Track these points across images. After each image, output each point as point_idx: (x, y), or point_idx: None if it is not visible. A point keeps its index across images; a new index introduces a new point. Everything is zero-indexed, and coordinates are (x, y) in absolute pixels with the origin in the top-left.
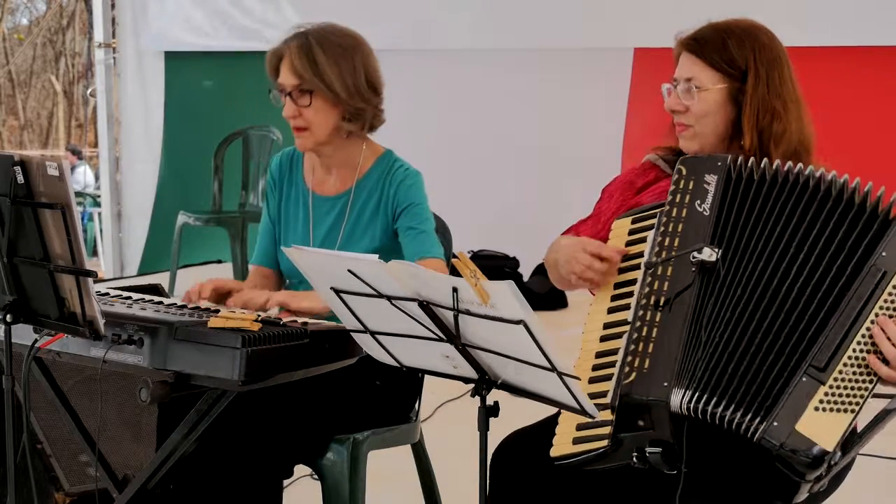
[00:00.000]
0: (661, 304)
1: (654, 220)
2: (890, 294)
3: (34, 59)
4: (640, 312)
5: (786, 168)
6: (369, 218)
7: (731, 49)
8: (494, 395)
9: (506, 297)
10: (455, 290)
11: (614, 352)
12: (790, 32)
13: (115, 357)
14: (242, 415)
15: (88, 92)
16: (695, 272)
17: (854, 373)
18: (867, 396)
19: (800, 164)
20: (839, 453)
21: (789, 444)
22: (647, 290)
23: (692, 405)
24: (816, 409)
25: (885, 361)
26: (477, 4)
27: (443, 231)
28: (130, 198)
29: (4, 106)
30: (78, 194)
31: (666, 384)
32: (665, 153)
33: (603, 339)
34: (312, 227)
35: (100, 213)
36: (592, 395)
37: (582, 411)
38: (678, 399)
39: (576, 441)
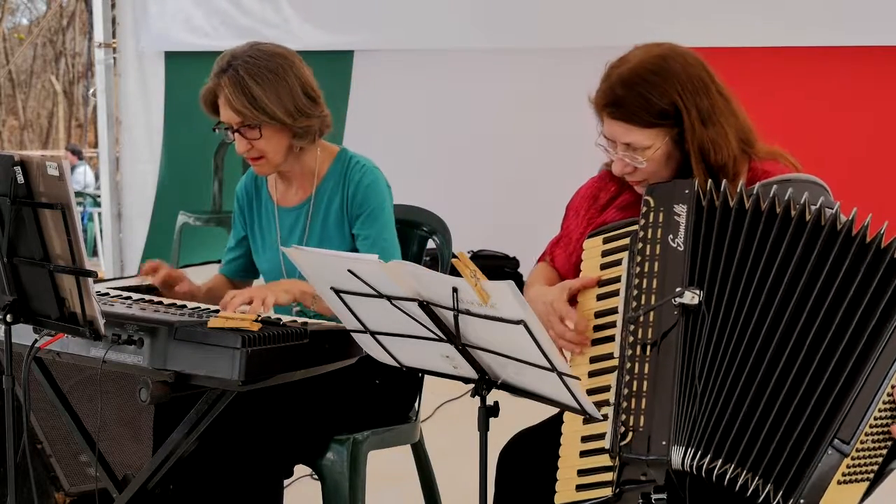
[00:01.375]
0: (648, 349)
1: (627, 241)
2: None
3: (34, 59)
4: (628, 365)
5: (755, 193)
6: (335, 221)
7: (654, 101)
8: (494, 395)
9: (506, 297)
10: (455, 290)
11: (605, 388)
12: (789, 32)
13: (115, 357)
14: (242, 415)
15: (90, 92)
16: (678, 315)
17: (873, 441)
18: (881, 463)
19: (774, 190)
20: None
21: None
22: (631, 339)
23: (694, 463)
24: (839, 482)
25: None
26: (478, 4)
27: (443, 231)
28: (130, 198)
29: (4, 106)
30: (78, 194)
31: (664, 442)
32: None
33: (591, 374)
34: (280, 239)
35: (100, 213)
36: (590, 438)
37: (582, 411)
38: (679, 458)
39: (579, 488)
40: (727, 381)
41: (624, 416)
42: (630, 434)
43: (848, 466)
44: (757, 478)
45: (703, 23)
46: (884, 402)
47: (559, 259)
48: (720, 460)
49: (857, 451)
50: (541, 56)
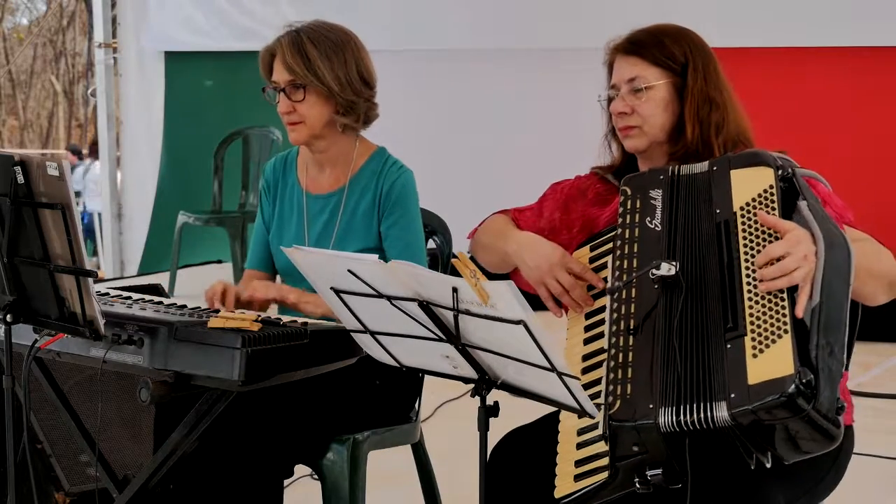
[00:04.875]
0: (632, 328)
1: (610, 245)
2: (744, 234)
3: (34, 59)
4: (613, 339)
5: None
6: (363, 215)
7: (668, 46)
8: (494, 395)
9: (506, 297)
10: (455, 290)
11: (598, 382)
12: (789, 33)
13: (115, 357)
14: (242, 415)
15: (89, 92)
16: (658, 289)
17: (762, 307)
18: (791, 315)
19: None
20: (807, 371)
21: (756, 401)
22: (615, 315)
23: (680, 419)
24: (755, 356)
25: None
26: (477, 4)
27: (443, 231)
28: (130, 198)
29: (4, 106)
30: (78, 194)
31: (651, 405)
32: (606, 170)
33: (584, 371)
34: (307, 226)
35: (100, 213)
36: (586, 430)
37: (582, 411)
38: (665, 418)
39: (577, 478)
40: (689, 339)
41: (611, 387)
42: (617, 402)
43: (753, 339)
44: (697, 406)
45: (707, 24)
46: (746, 276)
47: (526, 225)
48: (676, 406)
49: (752, 324)
50: (542, 56)
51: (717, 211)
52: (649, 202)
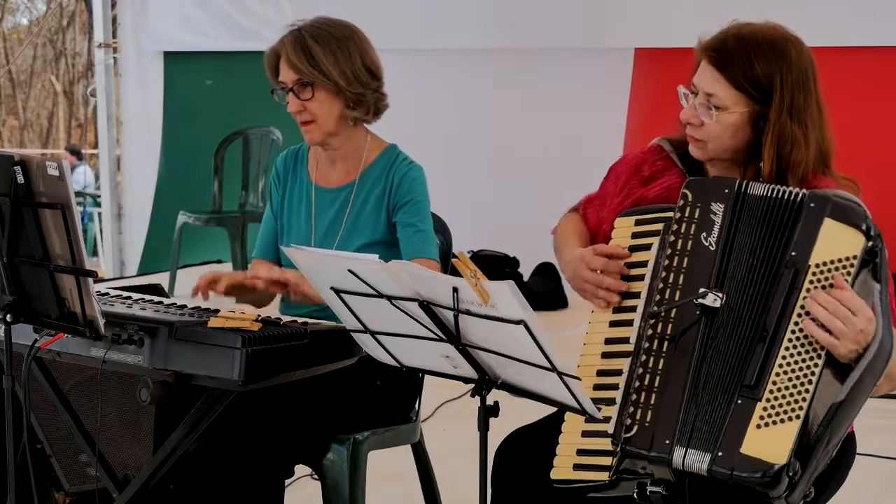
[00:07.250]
0: (664, 351)
1: (659, 226)
2: (807, 294)
3: (34, 59)
4: (644, 357)
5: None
6: (372, 209)
7: (757, 68)
8: (494, 395)
9: (506, 297)
10: (455, 290)
11: (617, 372)
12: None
13: (115, 357)
14: (242, 415)
15: (88, 91)
16: (698, 314)
17: (789, 379)
18: (811, 399)
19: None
20: (797, 463)
21: (739, 469)
22: (650, 331)
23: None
24: (759, 426)
25: (827, 331)
26: (478, 4)
27: (443, 231)
28: (130, 198)
29: (4, 106)
30: (78, 194)
31: (668, 441)
32: (675, 145)
33: (605, 355)
34: (315, 219)
35: (100, 213)
36: (594, 419)
37: (582, 411)
38: (680, 458)
39: (577, 467)
40: (717, 375)
41: (632, 409)
42: (635, 427)
43: (764, 409)
44: (697, 452)
45: (714, 26)
46: (789, 340)
47: (591, 217)
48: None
49: (771, 392)
50: (542, 56)
51: (793, 253)
52: (709, 216)
